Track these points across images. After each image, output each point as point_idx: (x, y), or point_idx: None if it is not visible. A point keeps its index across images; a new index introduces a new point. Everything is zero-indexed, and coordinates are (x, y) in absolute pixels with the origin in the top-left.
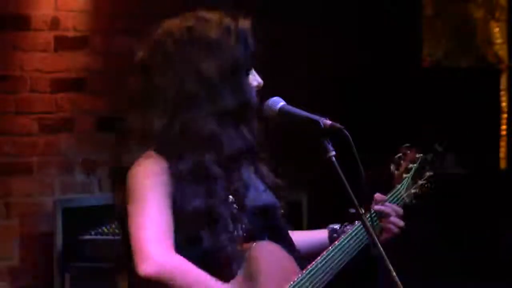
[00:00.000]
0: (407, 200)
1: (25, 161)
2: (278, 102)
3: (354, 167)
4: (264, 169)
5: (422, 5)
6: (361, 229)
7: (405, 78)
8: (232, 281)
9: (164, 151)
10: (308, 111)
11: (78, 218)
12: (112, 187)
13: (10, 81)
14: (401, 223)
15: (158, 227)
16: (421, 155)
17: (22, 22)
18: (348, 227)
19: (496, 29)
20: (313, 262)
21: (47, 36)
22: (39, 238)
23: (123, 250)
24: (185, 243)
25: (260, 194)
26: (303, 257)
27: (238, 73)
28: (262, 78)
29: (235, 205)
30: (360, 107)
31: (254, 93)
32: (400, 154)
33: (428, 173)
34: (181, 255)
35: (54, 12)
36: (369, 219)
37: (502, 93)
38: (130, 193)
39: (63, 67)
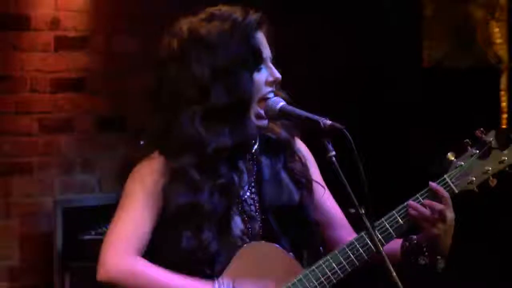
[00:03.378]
0: (456, 191)
1: (25, 161)
2: (278, 102)
3: (354, 167)
4: (296, 165)
5: (422, 5)
6: (362, 243)
7: (405, 78)
8: (217, 280)
9: (163, 151)
10: (308, 111)
11: (78, 218)
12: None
13: (10, 81)
14: (434, 217)
15: (127, 233)
16: (492, 138)
17: (22, 22)
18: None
19: (496, 29)
20: (312, 265)
21: (47, 36)
22: (39, 238)
23: None
24: (168, 241)
25: (281, 192)
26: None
27: (235, 72)
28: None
29: (252, 205)
30: (360, 107)
31: (256, 89)
32: (468, 139)
33: (503, 158)
34: (162, 253)
35: (54, 12)
36: (395, 215)
37: (502, 93)
38: (122, 196)
39: (63, 67)
